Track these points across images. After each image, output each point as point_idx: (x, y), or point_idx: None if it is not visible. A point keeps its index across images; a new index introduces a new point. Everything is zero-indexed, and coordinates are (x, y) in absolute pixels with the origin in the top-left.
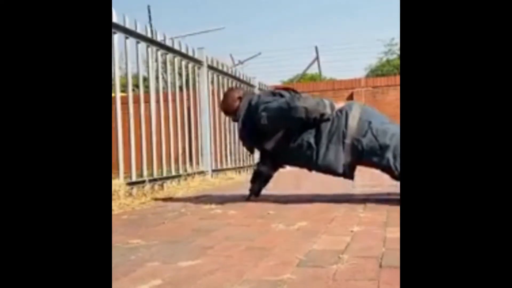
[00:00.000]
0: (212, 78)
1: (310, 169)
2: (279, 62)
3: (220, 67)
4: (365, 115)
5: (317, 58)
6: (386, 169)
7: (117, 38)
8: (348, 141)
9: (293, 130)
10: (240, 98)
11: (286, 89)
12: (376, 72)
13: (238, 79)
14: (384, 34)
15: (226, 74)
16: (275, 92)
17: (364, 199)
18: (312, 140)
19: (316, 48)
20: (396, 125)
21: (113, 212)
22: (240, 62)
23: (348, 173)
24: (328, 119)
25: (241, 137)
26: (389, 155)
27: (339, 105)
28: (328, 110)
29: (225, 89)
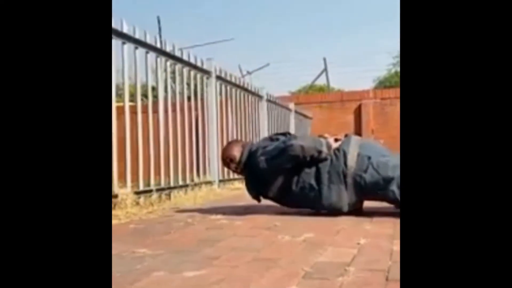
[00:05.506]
0: (221, 89)
1: (316, 210)
2: (287, 73)
3: (228, 78)
4: (364, 150)
5: (325, 69)
6: (392, 201)
7: (126, 49)
8: (350, 180)
9: (292, 172)
10: (241, 148)
11: (283, 134)
12: (385, 84)
13: (246, 90)
14: (392, 46)
15: (234, 84)
16: (273, 137)
17: (371, 212)
18: (313, 182)
19: (324, 59)
20: (396, 157)
21: (119, 221)
22: (249, 73)
23: (354, 211)
24: (326, 159)
25: (247, 186)
26: (393, 187)
27: (335, 144)
28: (324, 149)
29: (234, 99)
